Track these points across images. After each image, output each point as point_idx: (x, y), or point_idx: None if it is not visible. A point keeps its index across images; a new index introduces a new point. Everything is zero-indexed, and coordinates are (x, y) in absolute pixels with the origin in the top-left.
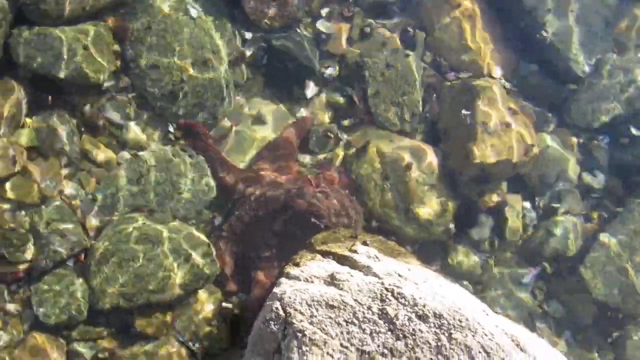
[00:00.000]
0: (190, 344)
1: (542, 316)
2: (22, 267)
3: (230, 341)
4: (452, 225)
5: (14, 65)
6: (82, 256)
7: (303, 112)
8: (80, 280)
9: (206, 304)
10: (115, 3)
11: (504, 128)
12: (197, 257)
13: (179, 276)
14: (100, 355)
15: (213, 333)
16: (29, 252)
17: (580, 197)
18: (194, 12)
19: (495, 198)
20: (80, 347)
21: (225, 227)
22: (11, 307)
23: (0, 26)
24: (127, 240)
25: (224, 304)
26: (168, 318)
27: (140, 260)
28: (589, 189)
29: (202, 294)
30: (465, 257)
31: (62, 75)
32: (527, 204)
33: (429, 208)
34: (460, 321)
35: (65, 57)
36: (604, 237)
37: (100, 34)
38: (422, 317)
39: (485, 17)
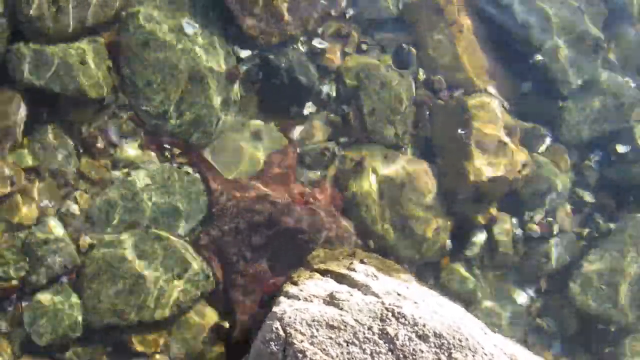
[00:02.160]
0: None
1: (534, 330)
2: (13, 283)
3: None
4: (448, 242)
5: (12, 81)
6: (75, 274)
7: (299, 130)
8: (74, 297)
9: (201, 322)
10: (111, 19)
11: (498, 146)
12: (191, 275)
13: (173, 294)
14: None
15: (207, 352)
16: (22, 270)
17: (572, 213)
18: (189, 30)
19: (488, 215)
20: None
21: (202, 236)
22: (1, 325)
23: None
24: (120, 257)
25: (219, 323)
26: (163, 336)
27: (134, 277)
28: (581, 205)
29: (196, 312)
30: (459, 274)
31: (60, 90)
32: (518, 221)
33: (424, 226)
34: (460, 340)
35: (63, 72)
36: (594, 252)
37: (97, 50)
38: (423, 337)
39: (479, 34)
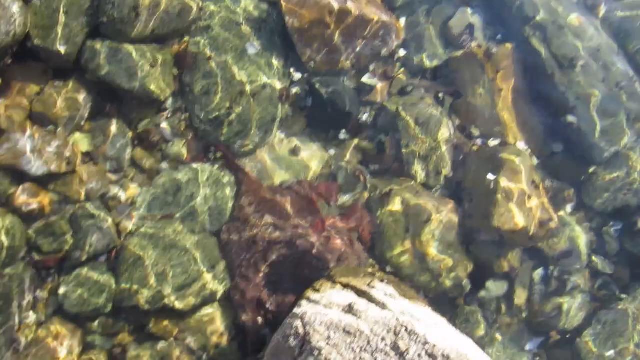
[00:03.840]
0: (199, 353)
1: None
2: (57, 256)
3: (238, 355)
4: (465, 282)
5: (83, 72)
6: (113, 254)
7: (335, 153)
8: (109, 276)
9: (219, 316)
10: (180, 31)
11: (524, 199)
12: (217, 271)
13: (198, 286)
14: (115, 350)
15: (222, 345)
16: (66, 244)
17: (589, 276)
18: (251, 50)
19: (508, 264)
20: (98, 339)
21: (222, 236)
22: (40, 292)
23: (78, 35)
24: (156, 245)
25: (234, 320)
26: (181, 325)
27: (167, 266)
28: (598, 271)
29: (215, 307)
30: (471, 317)
31: (127, 86)
32: (538, 276)
33: (444, 261)
34: None
35: (133, 71)
36: (604, 316)
37: (165, 57)
38: (432, 356)
39: (518, 91)
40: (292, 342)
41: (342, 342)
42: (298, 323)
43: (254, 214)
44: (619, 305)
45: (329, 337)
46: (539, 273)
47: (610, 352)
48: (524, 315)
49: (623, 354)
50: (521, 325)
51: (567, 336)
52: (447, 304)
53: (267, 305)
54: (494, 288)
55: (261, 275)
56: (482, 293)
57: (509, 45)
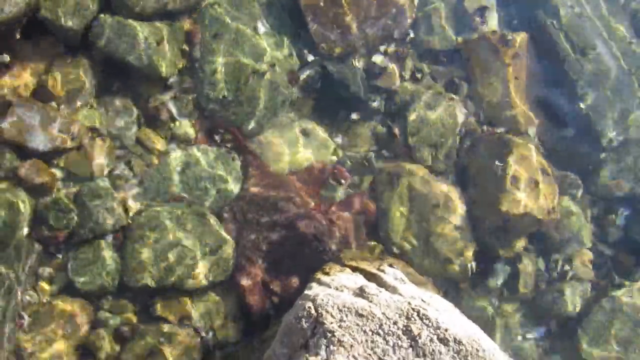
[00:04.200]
0: (204, 333)
1: None
2: (63, 233)
3: (243, 335)
4: (470, 266)
5: (90, 48)
6: (120, 233)
7: (345, 137)
8: (116, 255)
9: (224, 297)
10: (190, 7)
11: (532, 186)
12: (224, 252)
13: (205, 267)
14: (122, 328)
15: (227, 326)
16: (72, 221)
17: (592, 263)
18: (261, 28)
19: (513, 250)
20: (106, 317)
21: (225, 215)
22: (47, 269)
23: (87, 9)
24: (164, 226)
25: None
26: (188, 305)
27: (174, 246)
28: (601, 256)
29: (221, 287)
30: (475, 302)
31: (135, 63)
32: (542, 262)
33: (449, 245)
34: (478, 350)
35: (140, 47)
36: (605, 303)
37: (174, 33)
38: (443, 340)
39: (531, 77)
40: (305, 323)
41: (354, 324)
42: (310, 305)
43: (259, 195)
44: (621, 292)
45: (341, 320)
46: (543, 259)
47: (611, 339)
48: (526, 301)
49: (625, 341)
50: (524, 311)
51: (569, 323)
52: (451, 288)
53: (271, 287)
54: (498, 273)
55: (264, 256)
56: (487, 278)
57: (524, 33)
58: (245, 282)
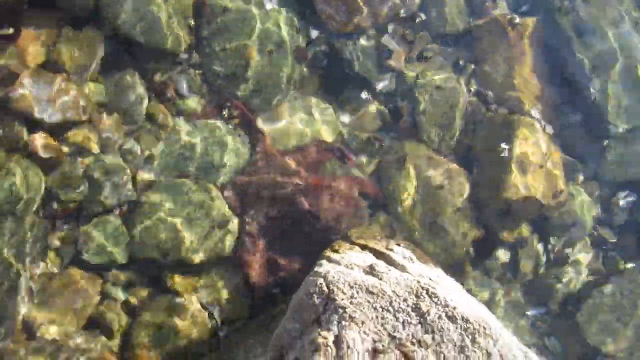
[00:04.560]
0: (211, 308)
1: (539, 348)
2: (72, 205)
3: (250, 312)
4: (472, 249)
5: (100, 20)
6: (129, 207)
7: (351, 117)
8: (124, 228)
9: (231, 274)
10: None
11: (537, 169)
12: (229, 228)
13: (213, 242)
14: (131, 300)
15: (234, 302)
16: (81, 194)
17: (594, 247)
18: (268, 5)
19: (515, 234)
20: (114, 290)
21: (226, 191)
22: (57, 241)
23: None
24: (171, 200)
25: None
26: (196, 281)
27: (181, 221)
28: (603, 241)
29: (227, 263)
30: (477, 284)
31: (144, 38)
32: (543, 246)
33: (454, 227)
34: (485, 328)
35: (150, 21)
36: (605, 288)
37: (182, 8)
38: (451, 318)
39: (538, 61)
40: (316, 299)
41: (365, 301)
42: (321, 281)
43: (264, 170)
44: (623, 275)
45: (352, 296)
46: (544, 243)
47: (611, 321)
48: (527, 283)
49: (624, 323)
50: (525, 292)
51: (568, 305)
52: (454, 268)
53: (274, 263)
54: (501, 256)
55: (267, 232)
56: (489, 260)
57: (534, 18)
58: (249, 258)
